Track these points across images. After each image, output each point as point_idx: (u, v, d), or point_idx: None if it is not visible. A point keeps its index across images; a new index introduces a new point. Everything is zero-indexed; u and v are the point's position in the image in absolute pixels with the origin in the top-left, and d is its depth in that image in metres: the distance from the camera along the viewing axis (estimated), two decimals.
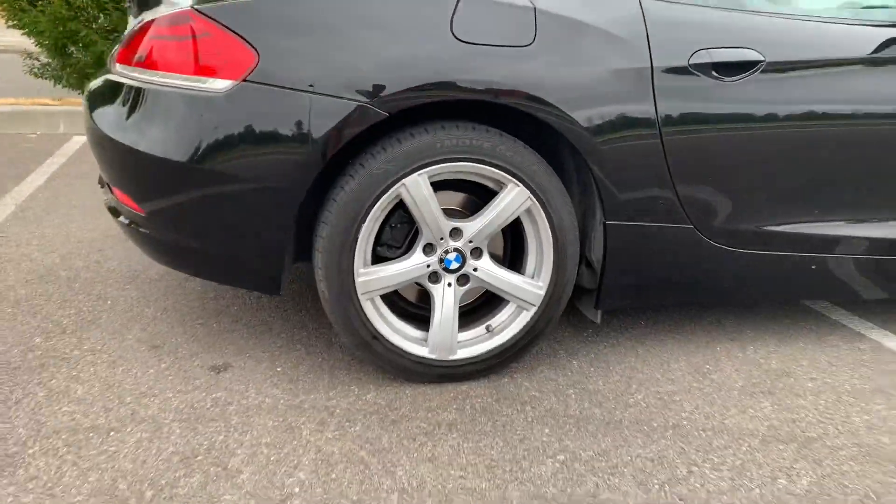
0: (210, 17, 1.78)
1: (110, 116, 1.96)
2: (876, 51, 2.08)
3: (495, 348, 2.01)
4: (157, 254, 2.06)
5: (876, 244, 2.19)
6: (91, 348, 2.15)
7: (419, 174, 1.82)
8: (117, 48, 2.09)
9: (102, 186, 2.34)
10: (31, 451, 1.67)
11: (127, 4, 2.49)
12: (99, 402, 1.87)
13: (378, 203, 1.82)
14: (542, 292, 1.98)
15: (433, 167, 1.83)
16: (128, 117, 1.90)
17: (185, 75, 1.80)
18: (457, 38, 1.79)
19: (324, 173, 1.83)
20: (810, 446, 1.81)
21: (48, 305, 2.41)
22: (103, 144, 1.97)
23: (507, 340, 2.01)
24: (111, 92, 2.00)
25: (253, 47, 1.76)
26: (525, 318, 2.01)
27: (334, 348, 2.20)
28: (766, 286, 2.23)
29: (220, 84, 1.77)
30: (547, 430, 1.83)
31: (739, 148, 2.00)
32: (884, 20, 2.16)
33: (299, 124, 1.76)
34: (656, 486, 1.63)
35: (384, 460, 1.68)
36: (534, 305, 1.99)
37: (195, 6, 1.81)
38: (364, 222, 1.83)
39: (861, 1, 2.28)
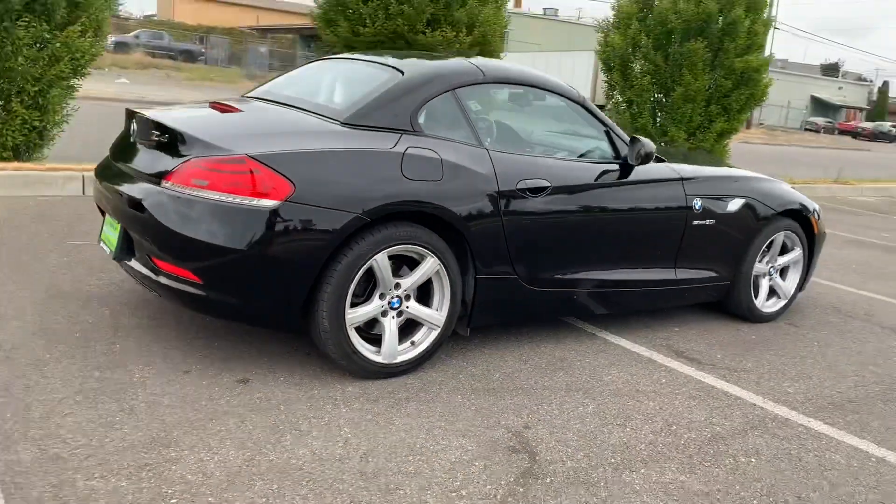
0: (260, 161, 2.96)
1: (173, 217, 2.99)
2: (597, 177, 3.85)
3: (417, 355, 3.37)
4: (200, 306, 3.11)
5: (608, 283, 3.95)
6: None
7: (383, 252, 3.15)
8: (162, 171, 3.10)
9: (120, 261, 3.30)
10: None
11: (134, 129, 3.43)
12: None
13: (361, 269, 3.11)
14: (444, 318, 3.39)
15: (390, 248, 3.17)
16: (193, 219, 2.96)
17: (244, 196, 2.94)
18: (405, 176, 3.18)
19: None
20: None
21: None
22: (166, 235, 2.99)
23: (424, 349, 3.38)
24: (172, 201, 3.01)
25: (291, 182, 2.97)
26: (433, 335, 3.40)
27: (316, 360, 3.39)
28: (555, 309, 3.88)
29: (269, 203, 2.95)
30: (443, 392, 3.24)
31: (541, 232, 3.60)
32: (602, 159, 3.95)
33: (322, 226, 2.99)
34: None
35: (378, 415, 2.95)
36: (439, 327, 3.39)
37: (248, 153, 2.97)
38: (352, 282, 3.10)
39: (585, 147, 4.04)
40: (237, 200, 2.94)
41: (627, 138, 4.01)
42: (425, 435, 2.83)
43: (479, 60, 3.85)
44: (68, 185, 6.31)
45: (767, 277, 4.74)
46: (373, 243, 3.11)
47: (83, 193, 6.34)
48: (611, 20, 15.65)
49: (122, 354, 3.25)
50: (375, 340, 3.30)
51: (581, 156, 4.00)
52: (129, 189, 3.25)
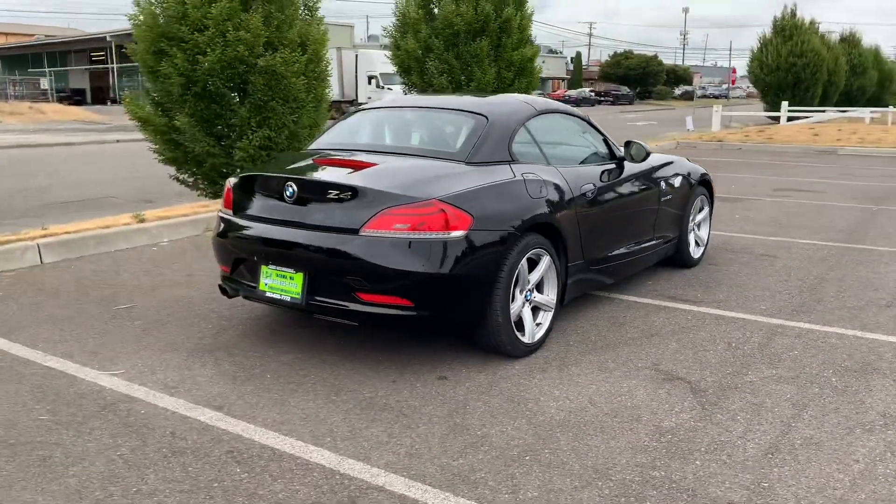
0: (446, 202, 3.74)
1: (384, 257, 3.67)
2: (614, 175, 5.04)
3: (545, 332, 4.32)
4: (408, 325, 3.81)
5: (622, 255, 5.15)
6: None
7: (524, 258, 4.07)
8: (356, 221, 3.73)
9: (307, 304, 3.87)
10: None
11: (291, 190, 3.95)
12: None
13: (515, 273, 4.00)
14: (554, 301, 4.38)
15: (528, 254, 4.10)
16: (401, 255, 3.67)
17: (439, 231, 3.71)
18: (530, 196, 4.11)
19: None
20: None
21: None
22: (378, 272, 3.66)
23: (547, 327, 4.35)
24: (379, 244, 3.67)
25: (470, 215, 3.79)
26: (550, 315, 4.38)
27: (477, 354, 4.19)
28: (597, 284, 5.01)
29: (458, 233, 3.74)
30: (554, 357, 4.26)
31: (593, 224, 4.70)
32: (604, 160, 5.14)
33: (493, 244, 3.85)
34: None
35: (562, 378, 3.89)
36: (552, 308, 4.38)
37: (435, 197, 3.73)
38: (511, 284, 3.99)
39: (594, 152, 5.20)
40: (434, 235, 3.70)
41: (617, 143, 5.24)
42: (608, 383, 3.83)
43: (523, 97, 4.84)
44: (27, 255, 6.17)
45: (693, 232, 6.27)
46: (519, 252, 4.01)
47: (41, 262, 6.24)
48: (394, 25, 16.88)
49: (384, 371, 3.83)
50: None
51: (590, 160, 5.14)
52: (314, 240, 3.82)
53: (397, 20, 16.71)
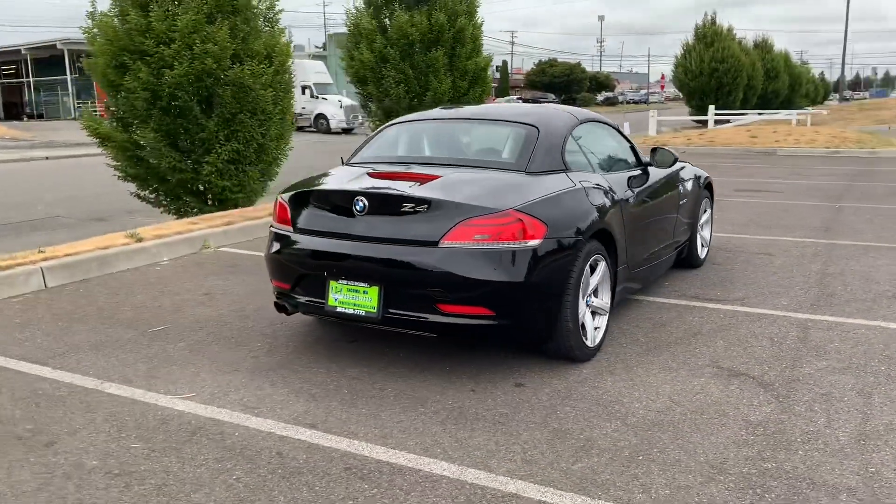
0: (522, 211, 3.82)
1: (465, 268, 3.71)
2: (646, 180, 5.20)
3: (602, 335, 4.43)
4: (487, 335, 3.85)
5: (650, 257, 5.31)
6: None
7: (589, 261, 4.18)
8: (434, 234, 3.76)
9: (382, 317, 3.87)
10: None
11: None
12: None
13: (581, 279, 4.10)
14: (608, 304, 4.50)
15: (591, 259, 4.20)
16: (482, 266, 3.72)
17: (517, 241, 3.78)
18: (591, 203, 4.22)
19: None
20: None
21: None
22: (460, 282, 3.70)
23: (604, 330, 4.46)
24: (459, 255, 3.72)
25: (545, 223, 3.87)
26: (605, 318, 4.49)
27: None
28: (631, 289, 5.16)
29: (535, 242, 3.82)
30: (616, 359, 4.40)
31: (634, 228, 4.84)
32: (631, 166, 5.30)
33: (566, 251, 3.94)
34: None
35: (634, 379, 4.01)
36: (607, 312, 4.49)
37: (512, 207, 3.80)
38: (579, 290, 4.08)
39: (625, 159, 5.35)
40: (513, 245, 3.76)
41: (641, 150, 5.42)
42: (678, 383, 3.96)
43: (565, 107, 4.96)
44: (31, 280, 5.92)
45: (699, 233, 6.52)
46: (584, 258, 4.12)
47: (45, 286, 6.00)
48: (347, 36, 16.87)
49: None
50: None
51: (623, 167, 5.29)
52: (390, 253, 3.83)
53: (349, 31, 16.69)
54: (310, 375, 4.10)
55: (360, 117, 36.25)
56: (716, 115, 31.18)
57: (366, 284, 3.92)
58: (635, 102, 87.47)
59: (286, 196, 4.36)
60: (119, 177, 9.52)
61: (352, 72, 16.10)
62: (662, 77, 37.90)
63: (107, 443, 3.34)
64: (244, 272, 6.47)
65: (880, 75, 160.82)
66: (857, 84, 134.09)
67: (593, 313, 4.37)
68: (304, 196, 4.25)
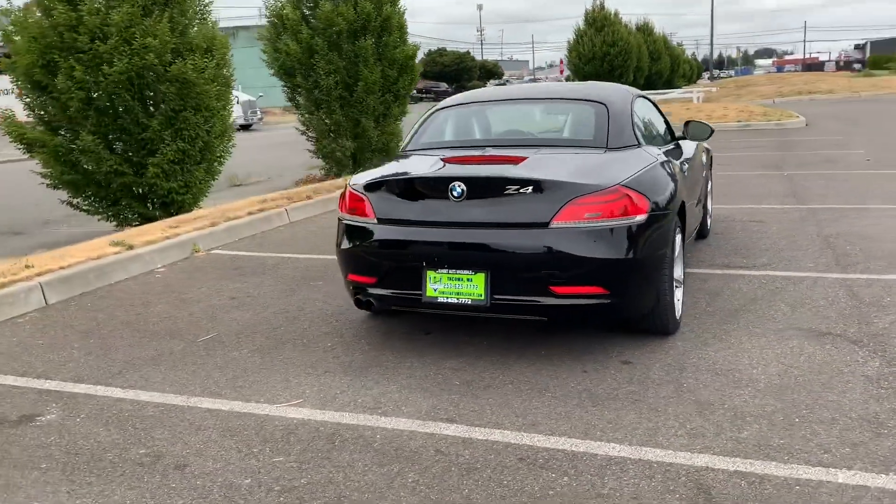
0: (628, 187, 3.79)
1: (579, 247, 3.65)
2: (686, 151, 5.28)
3: (680, 306, 4.47)
4: (601, 315, 3.81)
5: (691, 228, 5.41)
6: None
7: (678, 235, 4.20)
8: (545, 215, 3.68)
9: (490, 305, 3.76)
10: None
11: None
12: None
13: (675, 254, 4.12)
14: (682, 275, 4.55)
15: (677, 231, 4.23)
16: (596, 244, 3.68)
17: (626, 216, 3.75)
18: (672, 177, 4.24)
19: None
20: None
21: None
22: (575, 263, 3.64)
23: (681, 301, 4.50)
24: (572, 235, 3.65)
25: (647, 198, 3.86)
26: (681, 291, 4.53)
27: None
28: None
29: (640, 217, 3.80)
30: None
31: (686, 195, 4.91)
32: (667, 141, 5.37)
33: (665, 225, 3.95)
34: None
35: (731, 349, 4.07)
36: (682, 283, 4.54)
37: (619, 183, 3.77)
38: (674, 264, 4.11)
39: (664, 131, 5.40)
40: (623, 221, 3.73)
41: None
42: (776, 347, 4.05)
43: (613, 84, 4.95)
44: (32, 297, 5.41)
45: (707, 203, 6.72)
46: (674, 231, 4.15)
47: (46, 303, 5.50)
48: (267, 27, 16.34)
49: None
50: None
51: (665, 140, 5.35)
52: (497, 238, 3.73)
53: (270, 22, 16.14)
54: (407, 370, 3.94)
55: (258, 112, 35.19)
56: None
57: (470, 272, 3.79)
58: None
59: (360, 186, 4.15)
60: (49, 185, 8.80)
61: (277, 64, 15.57)
62: (561, 62, 38.77)
63: (244, 460, 3.08)
64: (254, 274, 6.15)
65: (740, 54, 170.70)
66: (721, 63, 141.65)
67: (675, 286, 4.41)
68: (388, 184, 4.06)
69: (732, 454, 2.94)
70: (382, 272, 4.02)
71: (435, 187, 3.92)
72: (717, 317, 4.57)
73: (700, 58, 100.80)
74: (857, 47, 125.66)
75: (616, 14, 41.64)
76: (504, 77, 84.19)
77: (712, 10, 74.34)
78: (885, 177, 9.82)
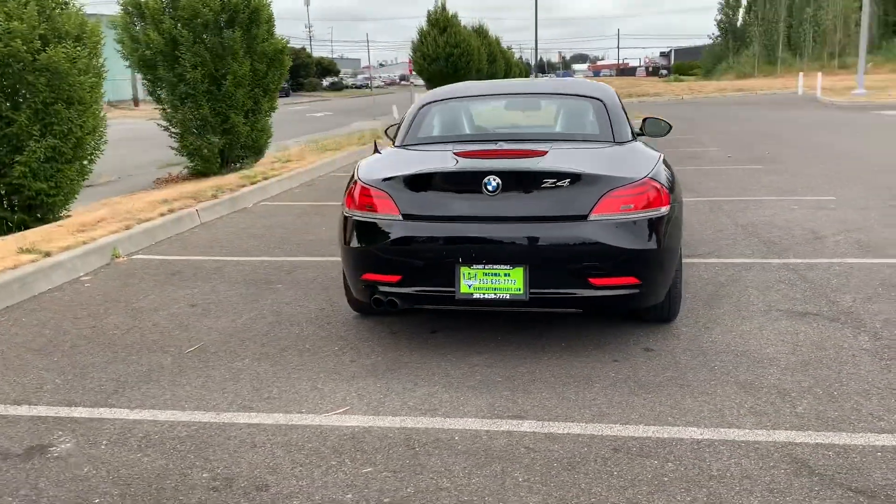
0: (654, 180, 3.92)
1: (617, 239, 3.73)
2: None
3: None
4: (632, 304, 3.90)
5: None
6: None
7: None
8: (581, 208, 3.73)
9: (530, 299, 3.77)
10: None
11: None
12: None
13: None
14: None
15: None
16: (630, 235, 3.77)
17: (654, 208, 3.87)
18: (670, 170, 4.42)
19: None
20: None
21: None
22: (613, 254, 3.72)
23: None
24: (609, 227, 3.72)
25: (669, 190, 4.01)
26: None
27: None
28: None
29: (665, 209, 3.93)
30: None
31: None
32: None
33: (678, 216, 4.11)
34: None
35: (724, 326, 4.32)
36: None
37: (647, 176, 3.89)
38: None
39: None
40: (652, 213, 3.84)
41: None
42: (769, 327, 4.34)
43: (597, 82, 5.05)
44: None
45: None
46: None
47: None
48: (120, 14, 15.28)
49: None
50: None
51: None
52: (536, 231, 3.72)
53: (125, 11, 15.05)
54: (439, 370, 3.84)
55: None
56: None
57: (508, 266, 3.75)
58: (358, 87, 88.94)
59: (378, 180, 3.98)
60: None
61: (136, 56, 14.51)
62: (410, 61, 39.06)
63: (329, 474, 2.88)
64: (198, 279, 5.73)
65: (557, 59, 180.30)
66: (542, 67, 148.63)
67: None
68: (414, 179, 3.92)
69: (803, 428, 3.12)
70: (408, 270, 3.88)
71: (468, 182, 3.84)
72: (699, 302, 4.81)
73: (524, 61, 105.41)
74: (662, 54, 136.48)
75: (454, 16, 42.57)
76: (340, 74, 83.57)
77: (536, 16, 77.99)
78: (754, 171, 10.75)
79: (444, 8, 41.39)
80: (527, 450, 3.02)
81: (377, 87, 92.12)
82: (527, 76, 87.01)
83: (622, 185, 3.78)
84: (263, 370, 3.90)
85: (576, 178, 3.75)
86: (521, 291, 3.75)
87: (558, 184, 3.76)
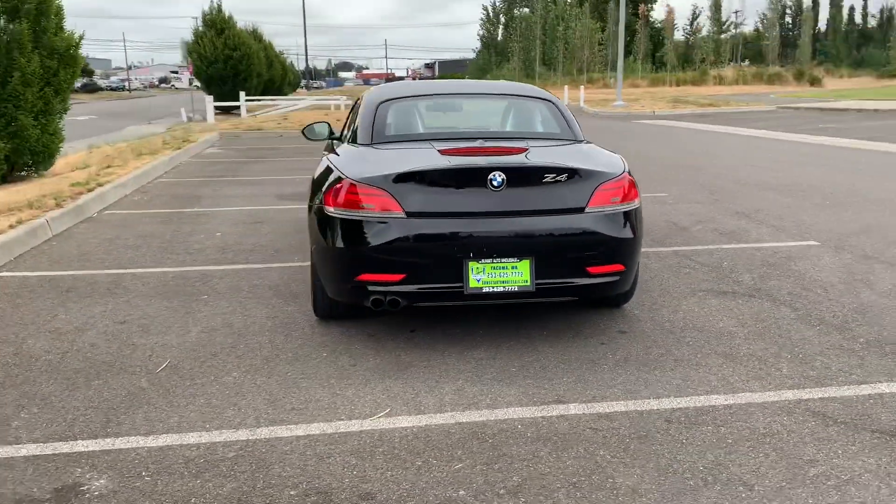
0: (630, 175, 4.23)
1: (612, 229, 3.99)
2: None
3: None
4: (615, 289, 4.16)
5: None
6: None
7: None
8: (579, 200, 3.93)
9: (536, 289, 3.93)
10: None
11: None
12: None
13: None
14: None
15: None
16: (621, 225, 4.05)
17: (632, 200, 4.15)
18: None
19: None
20: None
21: None
22: (610, 244, 3.98)
23: None
24: (604, 219, 3.97)
25: (636, 185, 4.34)
26: None
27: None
28: None
29: (638, 201, 4.21)
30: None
31: None
32: None
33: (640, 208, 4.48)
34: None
35: (665, 301, 4.78)
36: None
37: (625, 171, 4.19)
38: None
39: None
40: (632, 205, 4.14)
41: None
42: (708, 304, 4.85)
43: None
44: None
45: None
46: None
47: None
48: None
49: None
50: None
51: None
52: (542, 224, 3.87)
53: None
54: (446, 366, 3.84)
55: None
56: (247, 100, 31.97)
57: (515, 259, 3.86)
58: (112, 89, 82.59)
59: (376, 178, 3.88)
60: None
61: None
62: (190, 63, 36.98)
63: (424, 473, 2.82)
64: (102, 295, 5.16)
65: (332, 66, 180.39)
66: (310, 74, 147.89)
67: None
68: (416, 176, 3.87)
69: (801, 387, 3.57)
70: (413, 268, 3.84)
71: (472, 178, 3.88)
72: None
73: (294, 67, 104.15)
74: (427, 66, 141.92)
75: (230, 18, 41.11)
76: (95, 76, 77.05)
77: (304, 22, 77.70)
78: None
79: (220, 9, 39.76)
80: (592, 430, 3.15)
81: (136, 89, 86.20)
82: (297, 83, 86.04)
83: (609, 180, 4.04)
84: (263, 382, 3.66)
85: (573, 172, 3.95)
86: (528, 283, 3.87)
87: (557, 178, 3.93)
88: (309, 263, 4.58)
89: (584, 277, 3.98)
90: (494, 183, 3.82)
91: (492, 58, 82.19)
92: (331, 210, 3.98)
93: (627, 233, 4.07)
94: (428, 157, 4.08)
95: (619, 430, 3.14)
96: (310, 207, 4.36)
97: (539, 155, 4.16)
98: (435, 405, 3.39)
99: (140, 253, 6.38)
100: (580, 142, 4.62)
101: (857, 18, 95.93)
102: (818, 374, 3.70)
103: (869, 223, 7.29)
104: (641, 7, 71.57)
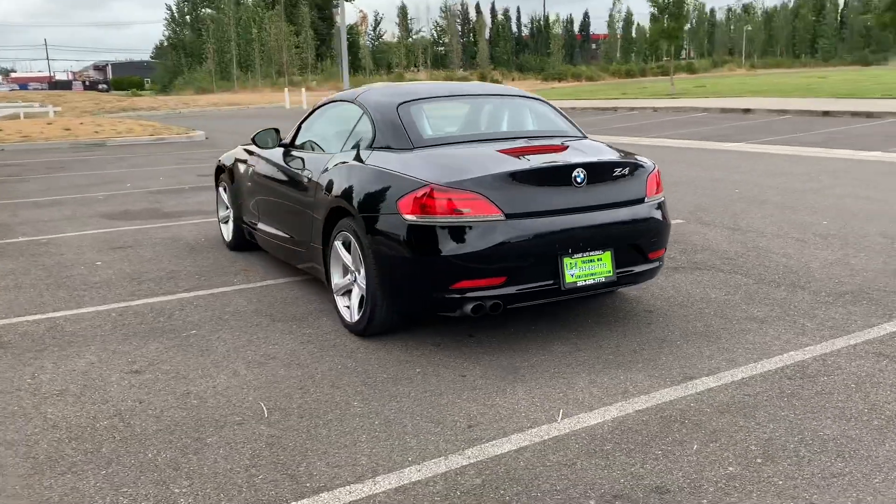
0: (657, 169, 4.60)
1: (668, 217, 4.34)
2: None
3: None
4: (657, 271, 4.50)
5: None
6: None
7: None
8: (639, 192, 4.21)
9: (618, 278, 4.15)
10: None
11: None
12: None
13: None
14: None
15: None
16: (666, 214, 4.41)
17: (662, 191, 4.55)
18: None
19: None
20: None
21: None
22: (667, 232, 4.34)
23: None
24: (661, 207, 4.31)
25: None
26: None
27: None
28: None
29: (663, 192, 4.66)
30: None
31: None
32: None
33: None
34: None
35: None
36: None
37: (655, 164, 4.55)
38: None
39: None
40: (662, 195, 4.54)
41: None
42: (657, 281, 5.43)
43: None
44: None
45: None
46: None
47: None
48: None
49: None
50: None
51: None
52: (617, 216, 4.09)
53: None
54: (520, 370, 3.86)
55: None
56: None
57: (600, 251, 4.03)
58: None
59: (467, 182, 3.77)
60: None
61: None
62: (14, 71, 29.79)
63: (651, 462, 2.93)
64: (62, 346, 4.30)
65: None
66: None
67: None
68: (509, 178, 3.84)
69: (833, 336, 4.17)
70: (513, 270, 3.83)
71: (559, 176, 3.96)
72: None
73: None
74: (97, 68, 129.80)
75: None
76: None
77: None
78: None
79: None
80: (696, 412, 3.28)
81: None
82: None
83: (651, 171, 4.38)
84: (408, 407, 3.42)
85: (634, 166, 4.23)
86: (612, 273, 4.07)
87: (622, 172, 4.18)
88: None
89: (646, 263, 4.28)
90: (578, 179, 3.95)
91: (182, 59, 77.90)
92: (412, 219, 3.79)
93: (669, 219, 4.45)
94: (496, 158, 4.06)
95: (714, 408, 3.30)
96: (366, 220, 4.05)
97: (585, 150, 4.35)
98: (582, 404, 3.39)
99: (31, 293, 5.31)
100: (586, 137, 4.88)
101: (514, 28, 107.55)
102: (834, 325, 4.38)
103: None
104: (334, 12, 73.08)
